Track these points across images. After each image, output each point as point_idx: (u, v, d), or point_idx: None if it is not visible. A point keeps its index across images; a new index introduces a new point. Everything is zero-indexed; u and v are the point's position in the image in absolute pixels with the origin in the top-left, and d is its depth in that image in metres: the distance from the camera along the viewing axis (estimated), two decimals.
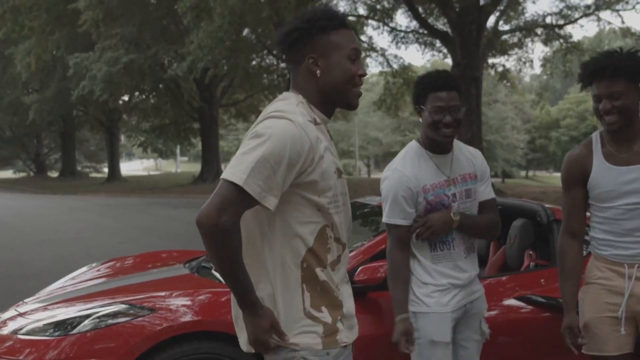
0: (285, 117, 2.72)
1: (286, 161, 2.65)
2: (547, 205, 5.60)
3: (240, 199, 2.61)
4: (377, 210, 5.50)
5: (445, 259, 4.05)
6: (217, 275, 5.13)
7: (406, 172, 4.00)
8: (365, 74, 2.89)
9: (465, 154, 4.20)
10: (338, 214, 2.88)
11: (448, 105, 3.92)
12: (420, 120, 4.06)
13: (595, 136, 3.97)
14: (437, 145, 4.06)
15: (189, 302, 4.73)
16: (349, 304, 2.97)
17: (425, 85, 4.01)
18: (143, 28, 37.06)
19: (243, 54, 28.90)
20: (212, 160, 47.83)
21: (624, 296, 3.81)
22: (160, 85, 44.55)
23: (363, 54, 43.33)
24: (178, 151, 74.25)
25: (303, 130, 2.70)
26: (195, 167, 59.85)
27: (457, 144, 4.20)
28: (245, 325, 2.82)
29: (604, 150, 3.87)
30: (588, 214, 4.04)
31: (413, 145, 4.16)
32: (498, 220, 4.23)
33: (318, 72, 2.87)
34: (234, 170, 2.63)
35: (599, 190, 3.83)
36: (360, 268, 4.60)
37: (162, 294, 4.84)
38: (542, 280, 5.14)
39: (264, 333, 2.75)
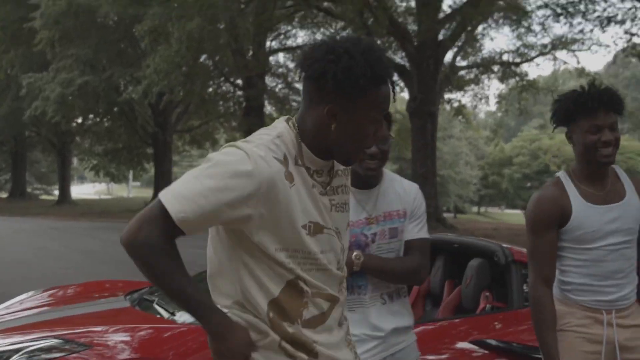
0: (242, 149, 2.34)
1: (226, 193, 2.28)
2: (504, 245, 5.44)
3: (162, 214, 2.27)
4: None
5: (356, 304, 3.61)
6: (159, 309, 4.88)
7: None
8: (385, 136, 2.61)
9: (396, 189, 3.74)
10: (311, 272, 2.49)
11: None
12: None
13: (563, 175, 3.81)
14: (360, 179, 3.59)
15: (127, 338, 4.46)
16: None
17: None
18: (99, 50, 36.71)
19: (199, 80, 28.65)
20: (164, 186, 45.18)
21: (602, 345, 3.68)
22: (115, 109, 44.19)
23: None
24: (130, 176, 73.72)
25: (255, 166, 2.30)
26: (148, 193, 59.35)
27: (390, 177, 3.77)
28: (215, 350, 2.42)
29: (579, 190, 3.71)
30: None
31: None
32: (422, 264, 3.70)
33: (333, 127, 2.44)
34: (167, 189, 2.33)
35: (583, 231, 3.65)
36: None
37: (100, 328, 4.56)
38: (498, 323, 4.96)
39: (243, 346, 2.39)
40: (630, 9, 25.05)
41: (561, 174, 3.83)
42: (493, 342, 4.71)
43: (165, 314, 4.85)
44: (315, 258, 2.48)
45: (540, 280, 3.72)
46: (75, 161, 67.77)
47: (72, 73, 36.02)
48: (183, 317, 4.68)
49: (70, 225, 32.10)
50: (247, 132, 40.24)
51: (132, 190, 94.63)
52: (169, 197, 2.28)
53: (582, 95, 3.64)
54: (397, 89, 2.54)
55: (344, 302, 2.68)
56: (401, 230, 3.70)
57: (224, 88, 43.87)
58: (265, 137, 2.44)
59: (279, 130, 2.48)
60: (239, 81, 41.64)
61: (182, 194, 2.27)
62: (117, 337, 4.44)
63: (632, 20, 25.15)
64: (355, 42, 2.43)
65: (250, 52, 37.26)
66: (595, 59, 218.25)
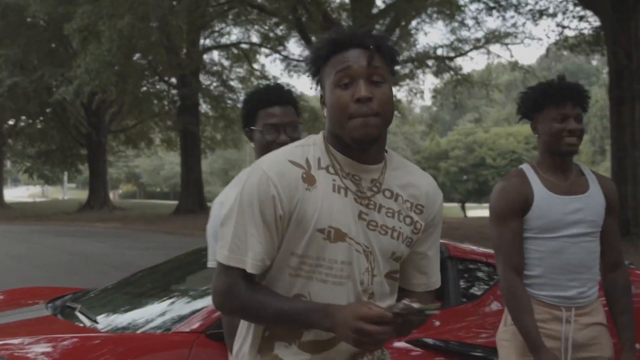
0: (256, 164, 2.39)
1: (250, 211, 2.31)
2: (440, 241, 5.34)
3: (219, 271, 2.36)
4: None
5: None
6: (82, 316, 4.69)
7: None
8: (364, 97, 2.27)
9: None
10: (324, 284, 2.34)
11: (282, 122, 3.42)
12: (253, 145, 3.55)
13: (526, 167, 3.79)
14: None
15: (48, 349, 4.25)
16: None
17: (255, 102, 3.49)
18: (29, 50, 36.06)
19: (132, 79, 28.21)
20: (99, 188, 46.96)
21: (561, 341, 3.64)
22: (48, 110, 43.51)
23: (255, 82, 43.39)
24: (65, 178, 72.72)
25: (266, 174, 2.30)
26: (84, 194, 58.58)
27: None
28: (348, 339, 2.23)
29: (542, 180, 3.69)
30: None
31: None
32: None
33: (325, 111, 2.41)
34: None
35: (544, 220, 3.61)
36: None
37: (18, 340, 4.34)
38: (437, 321, 4.84)
39: (353, 321, 2.18)
40: (561, 2, 25.37)
41: (524, 166, 3.83)
42: (430, 340, 4.60)
43: (87, 322, 4.65)
44: (331, 267, 2.33)
45: (509, 268, 3.65)
46: (8, 164, 66.53)
47: (0, 74, 35.33)
48: (105, 325, 4.50)
49: (2, 229, 31.45)
50: (182, 131, 40.17)
51: (67, 192, 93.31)
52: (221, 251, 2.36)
53: (551, 86, 3.66)
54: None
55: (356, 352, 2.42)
56: None
57: (158, 87, 43.42)
58: (289, 146, 2.45)
59: (308, 139, 2.47)
60: (174, 80, 41.28)
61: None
62: (37, 349, 4.23)
63: (564, 13, 25.46)
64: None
65: (184, 50, 36.95)
66: (528, 53, 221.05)
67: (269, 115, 3.42)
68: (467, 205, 72.36)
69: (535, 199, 3.63)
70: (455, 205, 71.16)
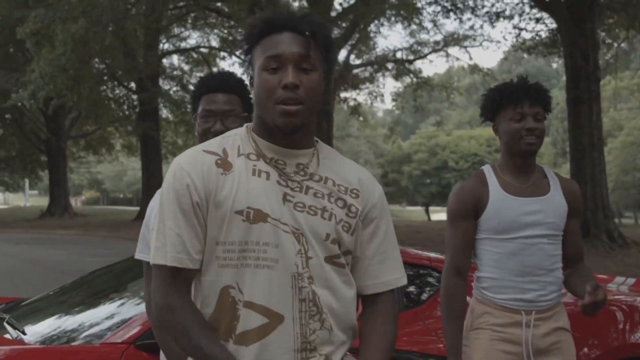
0: (174, 160, 2.38)
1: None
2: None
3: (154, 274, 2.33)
4: None
5: None
6: (9, 327, 4.51)
7: None
8: (292, 84, 2.21)
9: None
10: (251, 269, 2.26)
11: (221, 110, 3.18)
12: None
13: (487, 168, 3.80)
14: None
15: None
16: None
17: (200, 87, 3.30)
18: None
19: (88, 84, 27.88)
20: (60, 194, 46.44)
21: (522, 346, 3.59)
22: (7, 116, 43.01)
23: None
24: (27, 185, 71.99)
25: (180, 166, 2.31)
26: (46, 201, 57.97)
27: None
28: None
29: (500, 181, 3.69)
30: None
31: None
32: None
33: (253, 92, 2.37)
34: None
35: (498, 220, 3.60)
36: None
37: None
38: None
39: None
40: (518, 4, 25.47)
41: (485, 167, 3.83)
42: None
43: (13, 334, 4.47)
44: (255, 250, 2.25)
45: (452, 269, 3.69)
46: None
47: None
48: (33, 336, 4.34)
49: None
50: (142, 136, 39.86)
51: (29, 199, 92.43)
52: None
53: (508, 86, 3.69)
54: None
55: (304, 334, 2.30)
56: None
57: (117, 92, 43.05)
58: (209, 140, 2.46)
59: (229, 132, 2.48)
60: (133, 84, 40.96)
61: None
62: None
63: (520, 15, 25.59)
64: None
65: (142, 55, 36.68)
66: (488, 56, 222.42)
67: (209, 101, 3.20)
68: (431, 208, 72.73)
69: (490, 200, 3.63)
70: (419, 208, 71.40)
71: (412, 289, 5.02)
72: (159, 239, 2.28)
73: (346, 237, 2.37)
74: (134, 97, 41.52)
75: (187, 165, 2.29)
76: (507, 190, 3.64)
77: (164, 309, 2.26)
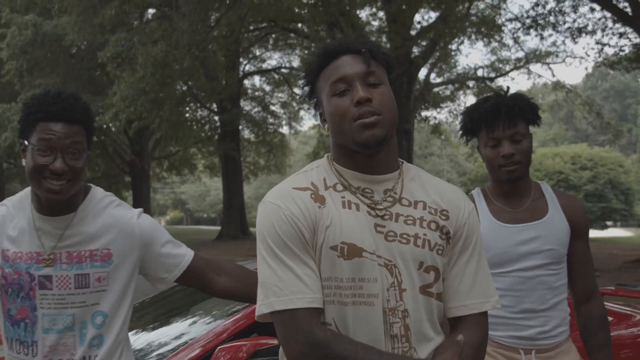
0: (264, 201, 2.31)
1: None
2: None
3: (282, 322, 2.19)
4: None
5: None
6: None
7: None
8: (364, 98, 2.17)
9: (103, 218, 2.87)
10: (348, 307, 2.20)
11: (61, 145, 2.63)
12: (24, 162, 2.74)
13: (476, 193, 3.51)
14: (46, 202, 2.75)
15: None
16: None
17: (33, 110, 2.65)
18: (68, 78, 36.31)
19: (167, 106, 28.27)
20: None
21: None
22: (94, 138, 43.83)
23: (296, 107, 43.44)
24: None
25: (276, 206, 2.24)
26: None
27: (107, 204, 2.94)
28: None
29: (490, 207, 3.39)
30: None
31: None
32: None
33: (326, 126, 2.34)
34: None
35: (491, 253, 3.24)
36: (218, 348, 3.89)
37: None
38: None
39: None
40: (600, 19, 24.95)
41: (475, 192, 3.55)
42: None
43: None
44: (351, 287, 2.19)
45: None
46: None
47: None
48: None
49: None
50: (224, 156, 40.24)
51: None
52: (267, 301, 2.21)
53: (479, 108, 3.37)
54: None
55: None
56: (91, 277, 2.77)
57: (199, 113, 43.57)
58: (290, 177, 2.38)
59: (311, 165, 2.42)
60: (215, 106, 41.42)
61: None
62: None
63: (603, 30, 25.04)
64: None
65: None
66: (572, 72, 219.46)
67: (48, 130, 2.62)
68: None
69: (480, 230, 3.07)
70: None
71: None
72: (277, 285, 2.17)
73: (440, 260, 2.29)
74: (216, 118, 41.95)
75: (284, 203, 2.23)
76: (498, 218, 3.35)
77: (316, 347, 2.11)
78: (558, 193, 3.46)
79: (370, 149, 2.21)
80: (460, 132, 3.51)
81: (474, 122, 3.38)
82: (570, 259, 3.38)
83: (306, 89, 2.38)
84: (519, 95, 3.38)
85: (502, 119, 3.27)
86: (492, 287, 2.37)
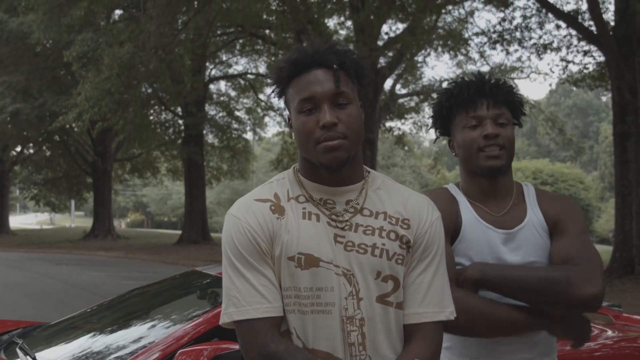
0: (227, 213, 2.35)
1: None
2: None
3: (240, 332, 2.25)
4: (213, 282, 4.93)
5: None
6: (20, 353, 4.44)
7: None
8: (329, 123, 2.17)
9: None
10: (307, 316, 2.23)
11: None
12: None
13: (452, 187, 2.96)
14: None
15: None
16: None
17: None
18: (32, 76, 36.05)
19: (132, 108, 28.11)
20: (104, 216, 46.83)
21: None
22: (56, 137, 43.54)
23: (260, 114, 43.37)
24: (73, 205, 72.74)
25: (236, 218, 2.30)
26: (91, 222, 58.54)
27: None
28: None
29: (471, 204, 2.84)
30: None
31: None
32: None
33: (293, 135, 2.33)
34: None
35: (471, 253, 2.74)
36: (178, 352, 3.87)
37: None
38: None
39: None
40: (565, 36, 25.22)
41: (449, 185, 2.99)
42: None
43: None
44: (309, 296, 2.22)
45: None
46: (17, 191, 66.68)
47: (3, 100, 35.34)
48: None
49: (3, 257, 31.27)
50: (187, 160, 40.06)
51: (75, 219, 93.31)
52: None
53: (458, 86, 2.85)
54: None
55: None
56: None
57: (163, 116, 43.37)
58: (257, 187, 2.40)
59: (278, 176, 2.44)
60: (180, 109, 41.26)
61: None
62: None
63: (568, 47, 25.32)
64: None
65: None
66: (536, 88, 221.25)
67: None
68: None
69: (464, 221, 2.79)
70: None
71: None
72: (235, 295, 2.23)
73: (399, 269, 2.30)
74: (180, 121, 41.78)
75: (243, 216, 2.27)
76: (481, 216, 2.80)
77: (269, 357, 2.16)
78: (539, 193, 2.93)
79: (334, 170, 2.25)
80: (432, 117, 2.98)
81: (452, 99, 2.84)
82: (552, 260, 2.75)
83: (276, 91, 2.37)
84: (498, 78, 2.89)
85: (486, 97, 2.77)
86: (449, 299, 2.36)
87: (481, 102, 2.76)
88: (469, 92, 2.78)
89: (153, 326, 4.66)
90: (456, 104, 2.83)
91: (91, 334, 4.85)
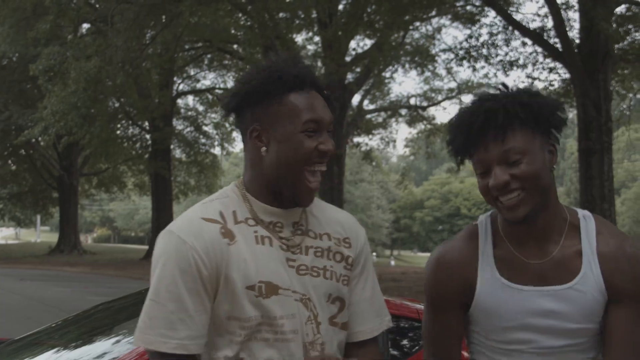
0: (168, 230, 2.16)
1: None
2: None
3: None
4: None
5: None
6: None
7: None
8: (331, 151, 2.13)
9: None
10: (263, 344, 2.13)
11: None
12: None
13: (484, 223, 2.43)
14: None
15: None
16: None
17: None
18: None
19: (98, 122, 27.95)
20: (69, 231, 46.46)
21: None
22: (22, 151, 43.18)
23: (228, 128, 43.26)
24: (38, 220, 72.12)
25: (181, 239, 2.10)
26: (57, 237, 58.08)
27: None
28: None
29: (497, 253, 2.34)
30: None
31: None
32: None
33: (263, 149, 2.16)
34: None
35: (493, 321, 2.33)
36: None
37: None
38: None
39: None
40: (531, 53, 25.47)
41: (482, 221, 2.46)
42: None
43: None
44: (271, 324, 2.12)
45: None
46: None
47: None
48: None
49: None
50: (154, 175, 39.87)
51: (41, 234, 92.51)
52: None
53: (465, 115, 2.30)
54: None
55: None
56: None
57: (130, 130, 43.15)
58: (199, 204, 2.25)
59: (220, 193, 2.28)
60: (147, 124, 41.09)
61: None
62: None
63: (534, 64, 25.58)
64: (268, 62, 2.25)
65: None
66: None
67: None
68: None
69: (479, 286, 2.33)
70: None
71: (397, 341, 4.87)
72: (159, 323, 2.08)
73: (346, 291, 2.28)
74: (147, 136, 41.59)
75: (189, 237, 2.10)
76: (504, 273, 2.31)
77: None
78: (601, 232, 2.32)
79: (306, 200, 2.20)
80: (454, 149, 2.35)
81: (465, 139, 2.27)
82: (605, 329, 2.27)
83: (252, 99, 2.19)
84: (519, 92, 2.30)
85: (494, 131, 2.20)
86: (385, 307, 2.40)
87: (488, 140, 2.20)
88: (472, 129, 2.23)
89: (117, 341, 4.63)
90: (471, 141, 2.26)
91: (55, 349, 4.81)
